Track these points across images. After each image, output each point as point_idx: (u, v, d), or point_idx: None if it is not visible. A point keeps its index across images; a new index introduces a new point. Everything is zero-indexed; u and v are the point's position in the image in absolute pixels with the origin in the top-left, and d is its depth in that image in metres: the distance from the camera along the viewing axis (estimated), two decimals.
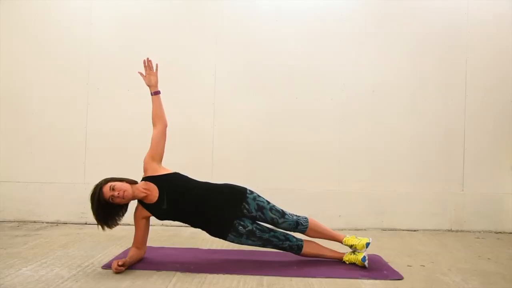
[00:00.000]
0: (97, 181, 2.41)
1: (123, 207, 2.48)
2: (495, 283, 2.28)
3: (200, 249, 2.92)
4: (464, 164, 3.81)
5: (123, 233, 3.17)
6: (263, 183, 3.60)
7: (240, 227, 2.49)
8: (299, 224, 2.55)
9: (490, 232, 3.74)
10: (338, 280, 2.27)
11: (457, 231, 3.76)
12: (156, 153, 2.57)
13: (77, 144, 3.78)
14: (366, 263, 2.45)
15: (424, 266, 2.59)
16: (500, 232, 3.75)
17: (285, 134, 3.79)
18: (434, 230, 3.74)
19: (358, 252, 2.52)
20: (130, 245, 2.58)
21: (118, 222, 2.46)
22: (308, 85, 3.81)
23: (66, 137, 3.78)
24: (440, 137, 3.82)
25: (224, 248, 2.95)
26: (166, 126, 2.63)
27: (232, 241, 2.53)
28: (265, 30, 3.82)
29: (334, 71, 3.81)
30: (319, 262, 2.57)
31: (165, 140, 2.61)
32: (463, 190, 3.80)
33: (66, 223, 3.72)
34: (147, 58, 2.67)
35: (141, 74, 2.67)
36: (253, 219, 2.54)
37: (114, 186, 2.34)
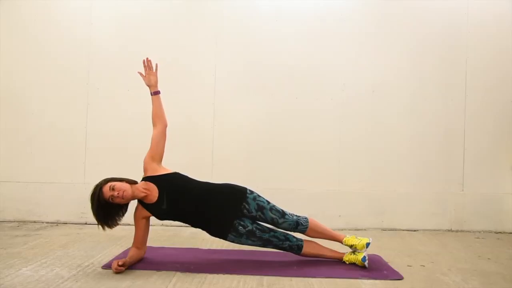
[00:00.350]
0: (97, 181, 2.41)
1: (123, 207, 2.48)
2: (495, 283, 2.28)
3: (200, 249, 2.92)
4: (464, 164, 3.81)
5: (123, 233, 3.17)
6: (263, 183, 3.60)
7: (240, 227, 2.49)
8: (299, 224, 2.55)
9: (490, 232, 3.74)
10: (338, 280, 2.27)
11: (457, 231, 3.76)
12: (156, 153, 2.57)
13: (77, 144, 3.79)
14: (366, 263, 2.45)
15: (424, 266, 2.59)
16: (500, 232, 3.75)
17: (285, 134, 3.79)
18: (434, 230, 3.74)
19: (358, 252, 2.52)
20: (130, 245, 2.59)
21: (118, 222, 2.47)
22: (308, 85, 3.81)
23: (66, 137, 3.78)
24: (440, 137, 3.82)
25: (224, 248, 2.95)
26: (166, 126, 2.63)
27: (232, 241, 2.53)
28: (265, 30, 3.82)
29: (334, 71, 3.82)
30: (319, 262, 2.57)
31: (165, 140, 2.61)
32: (463, 190, 3.80)
33: (66, 223, 3.72)
34: (147, 58, 2.67)
35: (140, 74, 2.67)
36: (253, 219, 2.55)
37: (114, 186, 2.35)
